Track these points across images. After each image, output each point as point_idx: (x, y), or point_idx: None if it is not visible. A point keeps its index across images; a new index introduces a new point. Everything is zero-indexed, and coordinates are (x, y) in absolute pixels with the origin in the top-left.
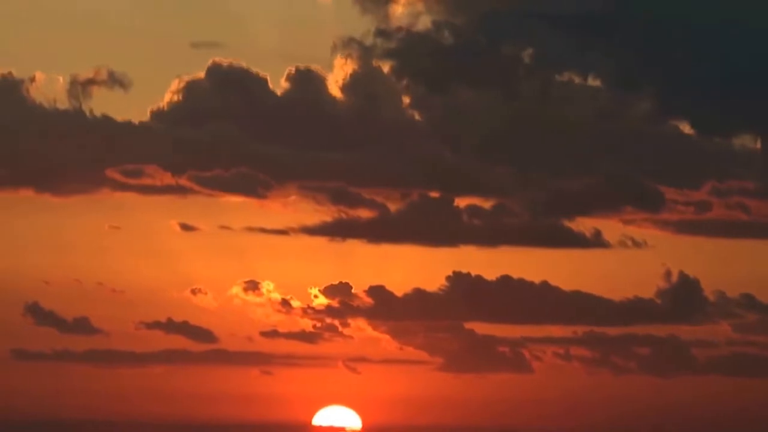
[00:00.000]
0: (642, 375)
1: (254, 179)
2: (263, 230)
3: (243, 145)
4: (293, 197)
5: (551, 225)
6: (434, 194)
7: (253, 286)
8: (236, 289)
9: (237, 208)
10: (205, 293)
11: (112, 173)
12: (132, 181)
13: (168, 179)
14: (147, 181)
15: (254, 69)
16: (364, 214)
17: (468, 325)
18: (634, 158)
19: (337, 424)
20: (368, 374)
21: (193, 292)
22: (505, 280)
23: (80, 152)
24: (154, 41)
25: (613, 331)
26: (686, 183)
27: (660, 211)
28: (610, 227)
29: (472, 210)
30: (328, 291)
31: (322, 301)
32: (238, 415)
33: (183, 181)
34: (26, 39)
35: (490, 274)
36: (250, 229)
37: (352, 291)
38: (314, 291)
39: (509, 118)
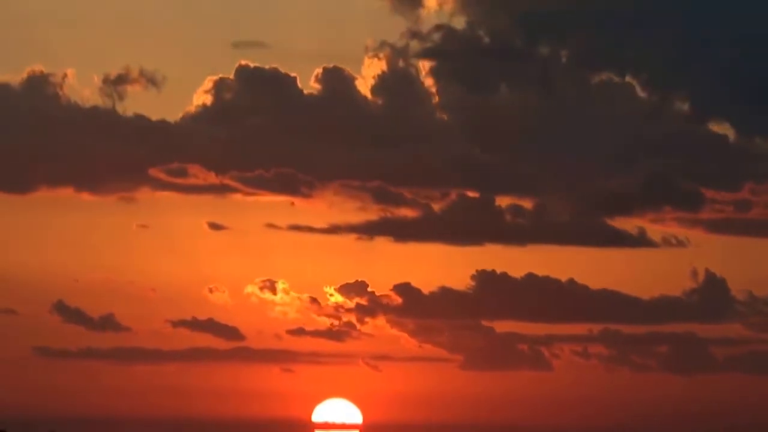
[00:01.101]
0: (664, 373)
1: (294, 178)
2: (294, 228)
3: (282, 145)
4: (333, 196)
5: (587, 224)
6: (472, 193)
7: (276, 284)
8: (261, 288)
9: (269, 206)
10: (230, 291)
11: (156, 172)
12: (175, 180)
13: (212, 178)
14: (189, 180)
15: (289, 68)
16: (408, 213)
17: (491, 323)
18: (672, 158)
19: (345, 419)
20: (389, 372)
21: (213, 290)
22: (531, 278)
23: (120, 151)
24: (185, 41)
25: (637, 329)
26: (725, 183)
27: (698, 210)
28: (648, 226)
29: (513, 209)
30: (354, 289)
31: (349, 299)
32: (260, 411)
33: (226, 180)
34: (59, 37)
35: (519, 272)
36: (278, 227)
37: (380, 289)
38: (330, 290)
39: (547, 117)
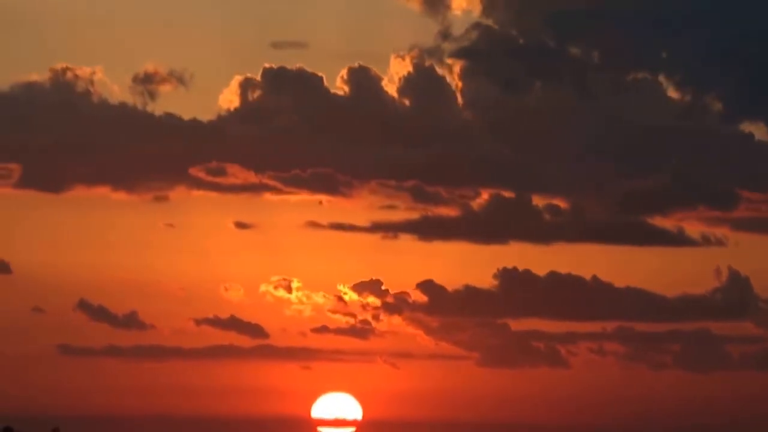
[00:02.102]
0: (683, 371)
1: (331, 178)
2: (321, 226)
3: (316, 144)
4: (371, 195)
5: (618, 223)
6: (507, 193)
7: (299, 283)
8: (284, 286)
9: (297, 205)
10: (253, 290)
11: (195, 172)
12: (213, 180)
13: (251, 177)
14: (228, 180)
15: (317, 68)
16: (448, 212)
17: (512, 321)
18: (705, 158)
19: (356, 416)
20: (408, 369)
21: (236, 288)
22: (554, 275)
23: (156, 150)
24: (213, 40)
25: (658, 326)
26: (759, 183)
27: (731, 209)
28: (680, 225)
29: (549, 208)
30: (377, 287)
31: (373, 297)
32: (280, 408)
33: (265, 180)
34: (89, 34)
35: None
36: (304, 226)
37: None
38: (344, 288)
39: (579, 117)
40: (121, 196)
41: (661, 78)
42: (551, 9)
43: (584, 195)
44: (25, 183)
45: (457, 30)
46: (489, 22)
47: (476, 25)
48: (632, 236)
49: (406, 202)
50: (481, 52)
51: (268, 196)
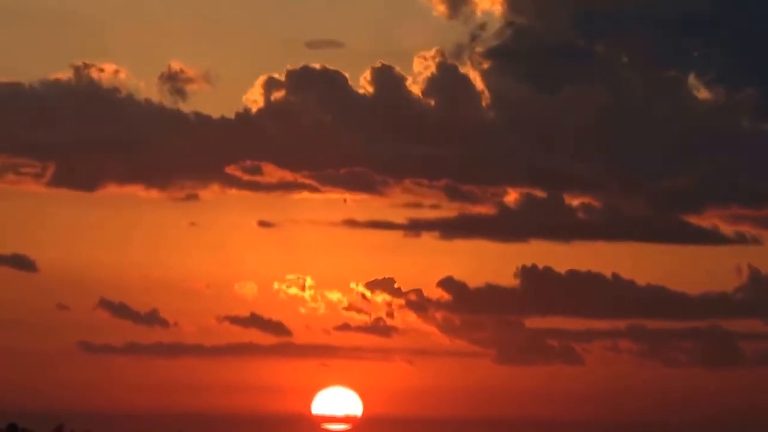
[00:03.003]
0: (703, 368)
1: (366, 176)
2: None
3: (348, 143)
4: (404, 194)
5: (649, 221)
6: (538, 191)
7: (318, 281)
8: (306, 284)
9: (323, 204)
10: (275, 288)
11: (232, 170)
12: (249, 177)
13: (287, 176)
14: (265, 178)
15: (343, 67)
16: (484, 210)
17: (533, 319)
18: (737, 156)
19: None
20: (426, 366)
21: (257, 286)
22: (574, 273)
23: (188, 149)
24: (239, 38)
25: (678, 324)
26: None
27: (763, 208)
28: (709, 223)
29: (582, 207)
30: (399, 284)
31: (396, 296)
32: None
33: (300, 179)
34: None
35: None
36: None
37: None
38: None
39: (610, 116)
40: (152, 194)
41: (692, 77)
42: (581, 8)
43: (614, 194)
44: (57, 181)
45: (485, 30)
46: (517, 22)
47: (504, 26)
48: (660, 234)
49: (439, 201)
50: (509, 51)
51: (304, 195)
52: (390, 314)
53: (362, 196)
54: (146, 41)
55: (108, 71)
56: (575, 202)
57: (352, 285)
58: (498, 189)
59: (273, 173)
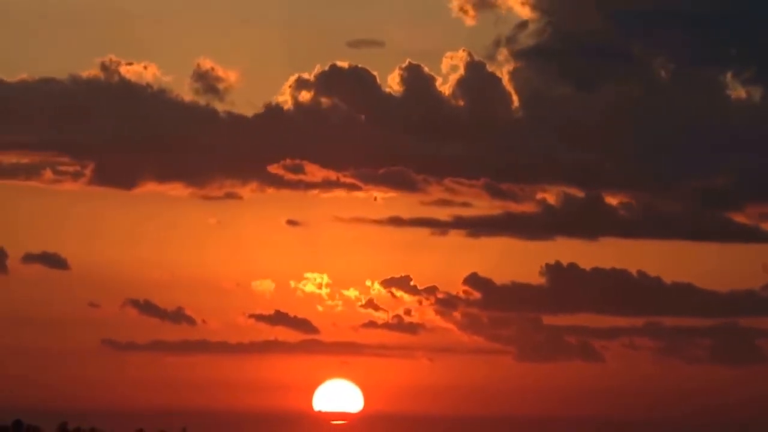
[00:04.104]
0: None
1: (406, 175)
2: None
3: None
4: (443, 192)
5: (684, 218)
6: (575, 190)
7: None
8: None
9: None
10: (299, 285)
11: (274, 168)
12: (289, 176)
13: (331, 176)
14: (305, 177)
15: (374, 66)
16: (527, 209)
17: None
18: None
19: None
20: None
21: (280, 284)
22: (599, 271)
23: (226, 147)
24: (271, 37)
25: (704, 321)
26: None
27: None
28: (745, 221)
29: (621, 206)
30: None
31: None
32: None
33: (347, 178)
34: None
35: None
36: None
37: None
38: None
39: (646, 115)
40: (190, 192)
41: (729, 76)
42: (618, 8)
43: (650, 192)
44: (96, 180)
45: (519, 30)
46: (554, 21)
47: (541, 25)
48: (694, 232)
49: (477, 199)
50: (545, 51)
51: (339, 193)
52: (408, 312)
53: (394, 194)
54: (177, 39)
55: (139, 68)
56: (612, 201)
57: (368, 282)
58: (535, 187)
59: (315, 172)
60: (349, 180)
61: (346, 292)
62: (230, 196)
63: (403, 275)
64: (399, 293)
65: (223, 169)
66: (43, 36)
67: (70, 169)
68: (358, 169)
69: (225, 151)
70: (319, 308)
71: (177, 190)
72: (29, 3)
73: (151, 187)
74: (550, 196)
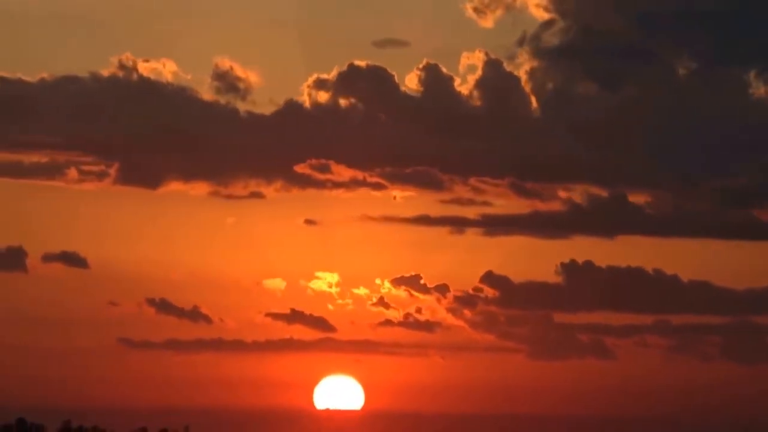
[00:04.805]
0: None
1: (432, 175)
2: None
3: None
4: (469, 191)
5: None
6: (598, 189)
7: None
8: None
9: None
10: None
11: (301, 168)
12: (319, 176)
13: (358, 175)
14: (333, 177)
15: (395, 66)
16: (551, 207)
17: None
18: None
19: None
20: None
21: (297, 283)
22: (615, 270)
23: (249, 148)
24: (291, 37)
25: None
26: None
27: None
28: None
29: (646, 205)
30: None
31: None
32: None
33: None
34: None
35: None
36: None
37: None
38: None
39: (669, 114)
40: (214, 191)
41: (753, 74)
42: (641, 7)
43: (673, 191)
44: (121, 179)
45: (542, 30)
46: (579, 21)
47: (566, 25)
48: (716, 230)
49: (502, 198)
50: (569, 51)
51: (362, 192)
52: (419, 311)
53: (416, 193)
54: (195, 37)
55: (158, 66)
56: (635, 200)
57: (377, 281)
58: (559, 186)
59: (341, 172)
60: (375, 179)
61: (356, 291)
62: (255, 195)
63: (413, 274)
64: (409, 292)
65: (248, 169)
66: (59, 35)
67: (95, 168)
68: (384, 168)
69: (249, 151)
70: (330, 307)
71: (201, 189)
72: (42, 2)
73: (175, 187)
74: (575, 195)
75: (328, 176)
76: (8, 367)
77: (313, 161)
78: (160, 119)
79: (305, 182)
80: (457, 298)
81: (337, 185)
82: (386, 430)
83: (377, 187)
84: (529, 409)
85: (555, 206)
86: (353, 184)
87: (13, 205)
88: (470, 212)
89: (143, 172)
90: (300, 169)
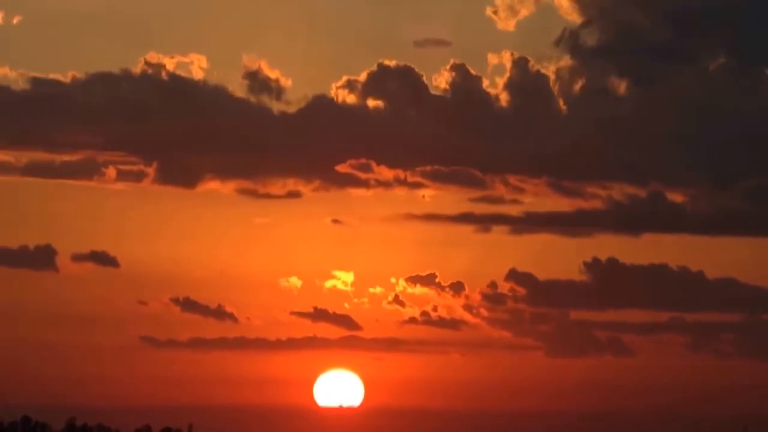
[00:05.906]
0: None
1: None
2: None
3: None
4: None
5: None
6: (633, 188)
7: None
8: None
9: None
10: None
11: (342, 168)
12: (362, 175)
13: (399, 175)
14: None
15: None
16: (587, 205)
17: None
18: None
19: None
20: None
21: (321, 282)
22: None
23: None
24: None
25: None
26: None
27: None
28: None
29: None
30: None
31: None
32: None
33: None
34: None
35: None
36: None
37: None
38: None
39: (702, 113)
40: (250, 190)
41: None
42: (677, 6)
43: (707, 190)
44: (158, 178)
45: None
46: (614, 20)
47: (600, 25)
48: (748, 228)
49: (539, 197)
50: (604, 50)
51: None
52: (435, 309)
53: (447, 192)
54: (224, 36)
55: (187, 63)
56: (669, 198)
57: (392, 280)
58: (595, 184)
59: (383, 172)
60: (416, 179)
61: (371, 290)
62: (292, 195)
63: (429, 272)
64: (424, 290)
65: (286, 168)
66: (86, 33)
67: (134, 168)
68: (425, 167)
69: (285, 150)
70: (346, 306)
71: (238, 187)
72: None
73: (212, 186)
74: (608, 192)
75: (370, 175)
76: (28, 365)
77: (353, 161)
78: (194, 118)
79: (344, 182)
80: (479, 296)
81: (380, 184)
82: (407, 427)
83: (416, 186)
84: (547, 408)
85: (592, 204)
86: (395, 183)
87: (44, 205)
88: (504, 210)
89: (181, 171)
90: (341, 168)
